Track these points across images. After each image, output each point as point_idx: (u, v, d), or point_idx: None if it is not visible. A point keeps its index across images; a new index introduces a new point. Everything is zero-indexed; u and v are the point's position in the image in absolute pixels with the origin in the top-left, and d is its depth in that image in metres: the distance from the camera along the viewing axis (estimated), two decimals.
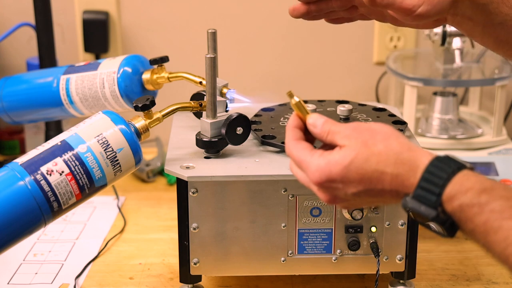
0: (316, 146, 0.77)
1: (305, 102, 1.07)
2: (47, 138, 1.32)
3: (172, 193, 0.93)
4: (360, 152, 0.70)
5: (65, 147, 0.83)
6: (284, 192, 0.90)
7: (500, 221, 0.62)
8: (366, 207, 0.91)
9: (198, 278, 0.94)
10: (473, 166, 0.68)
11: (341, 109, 0.98)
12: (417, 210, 0.67)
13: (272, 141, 0.95)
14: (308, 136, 0.77)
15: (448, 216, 0.66)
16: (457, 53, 1.31)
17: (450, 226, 0.66)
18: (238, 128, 0.93)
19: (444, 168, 0.67)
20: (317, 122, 0.75)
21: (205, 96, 0.94)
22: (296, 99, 0.76)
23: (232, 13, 1.47)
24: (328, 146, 0.74)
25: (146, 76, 1.06)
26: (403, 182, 0.69)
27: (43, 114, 1.14)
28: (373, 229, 0.93)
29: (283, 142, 0.93)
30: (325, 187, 0.72)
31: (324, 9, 0.92)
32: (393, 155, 0.69)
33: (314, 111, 0.99)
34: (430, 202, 0.66)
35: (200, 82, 1.01)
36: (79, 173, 0.83)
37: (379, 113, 1.05)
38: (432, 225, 0.69)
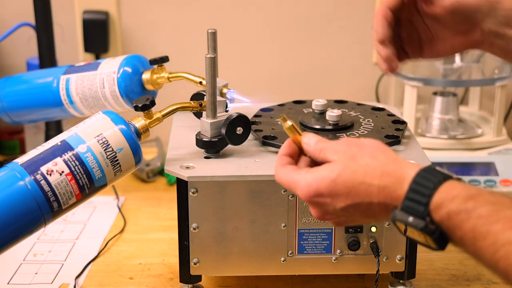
0: None
1: (305, 101, 1.08)
2: (47, 138, 1.32)
3: (172, 193, 0.93)
4: (347, 165, 0.71)
5: (65, 147, 0.83)
6: (284, 192, 0.90)
7: (488, 226, 0.62)
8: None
9: (198, 278, 0.94)
10: (460, 178, 0.68)
11: (316, 104, 0.99)
12: (405, 221, 0.67)
13: (273, 142, 0.95)
14: (302, 163, 0.78)
15: (436, 226, 0.66)
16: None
17: (439, 237, 0.67)
18: (238, 128, 0.93)
19: (430, 179, 0.67)
20: (311, 141, 0.76)
21: (205, 96, 0.94)
22: (289, 123, 0.78)
23: (232, 13, 1.47)
24: (317, 164, 0.75)
25: (146, 76, 1.06)
26: (390, 194, 0.69)
27: (43, 114, 1.14)
28: (373, 229, 0.93)
29: None
30: (314, 202, 0.73)
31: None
32: (379, 167, 0.70)
33: (325, 105, 0.99)
34: (418, 213, 0.67)
35: (200, 82, 1.01)
36: (79, 173, 0.83)
37: (378, 113, 1.05)
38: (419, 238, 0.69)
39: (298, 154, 0.79)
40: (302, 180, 0.73)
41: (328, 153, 0.74)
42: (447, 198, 0.65)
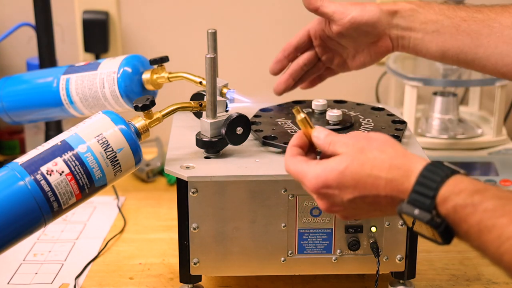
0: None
1: (305, 101, 1.08)
2: (47, 138, 1.32)
3: (172, 193, 0.93)
4: (355, 158, 0.72)
5: (65, 147, 0.83)
6: (284, 192, 0.90)
7: (494, 219, 0.63)
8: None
9: (198, 278, 0.94)
10: (467, 173, 0.69)
11: (316, 104, 1.00)
12: (411, 214, 0.68)
13: (273, 142, 0.95)
14: (311, 156, 0.80)
15: (442, 219, 0.67)
16: None
17: (445, 231, 0.67)
18: (238, 128, 0.93)
19: (438, 172, 0.68)
20: (320, 135, 0.78)
21: (205, 96, 0.94)
22: (302, 115, 0.79)
23: (232, 13, 1.47)
24: (327, 157, 0.76)
25: (146, 76, 1.06)
26: (397, 187, 0.70)
27: (43, 114, 1.14)
28: (373, 229, 0.93)
29: (284, 143, 0.93)
30: (322, 194, 0.74)
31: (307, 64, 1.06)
32: (387, 160, 0.71)
33: (325, 105, 1.00)
34: (424, 206, 0.67)
35: (200, 82, 1.01)
36: (79, 173, 0.83)
37: (378, 113, 1.05)
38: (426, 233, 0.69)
39: (308, 146, 0.80)
40: (311, 172, 0.74)
41: (337, 146, 0.75)
42: (454, 192, 0.66)
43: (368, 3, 0.99)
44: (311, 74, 1.08)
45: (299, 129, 0.81)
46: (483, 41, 0.94)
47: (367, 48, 1.01)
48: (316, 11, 1.00)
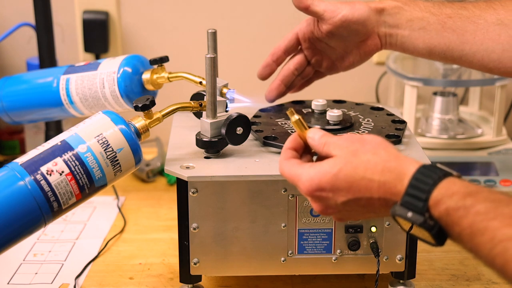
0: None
1: (305, 101, 1.08)
2: (47, 138, 1.32)
3: (172, 193, 0.93)
4: (349, 161, 0.72)
5: (65, 147, 0.83)
6: (284, 192, 0.90)
7: (486, 222, 0.63)
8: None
9: (198, 278, 0.94)
10: (460, 175, 0.69)
11: (316, 104, 1.00)
12: (404, 216, 0.68)
13: (274, 142, 0.94)
14: (306, 158, 0.80)
15: (435, 221, 0.67)
16: None
17: (438, 233, 0.67)
18: (238, 128, 0.93)
19: (430, 175, 0.68)
20: (315, 136, 0.78)
21: (205, 96, 0.94)
22: (296, 117, 0.79)
23: (232, 13, 1.47)
24: (322, 158, 0.76)
25: (146, 76, 1.06)
26: (390, 189, 0.70)
27: (43, 114, 1.14)
28: (373, 229, 0.93)
29: None
30: (316, 196, 0.75)
31: (299, 69, 1.05)
32: (380, 163, 0.71)
33: (325, 105, 1.00)
34: (417, 208, 0.68)
35: (200, 82, 1.01)
36: (79, 173, 0.83)
37: (378, 112, 1.05)
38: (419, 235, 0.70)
39: (303, 149, 0.80)
40: (305, 174, 0.74)
41: (331, 148, 0.75)
42: (446, 194, 0.66)
43: (357, 2, 0.99)
44: (301, 79, 1.07)
45: None
46: (469, 37, 0.95)
47: (356, 48, 1.01)
48: (306, 9, 0.99)
